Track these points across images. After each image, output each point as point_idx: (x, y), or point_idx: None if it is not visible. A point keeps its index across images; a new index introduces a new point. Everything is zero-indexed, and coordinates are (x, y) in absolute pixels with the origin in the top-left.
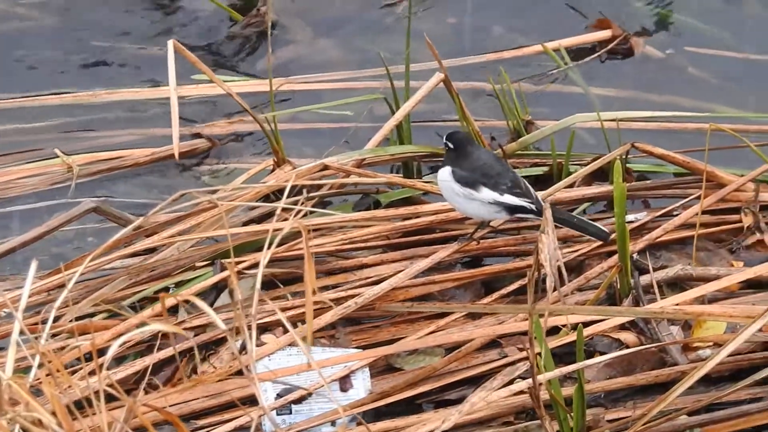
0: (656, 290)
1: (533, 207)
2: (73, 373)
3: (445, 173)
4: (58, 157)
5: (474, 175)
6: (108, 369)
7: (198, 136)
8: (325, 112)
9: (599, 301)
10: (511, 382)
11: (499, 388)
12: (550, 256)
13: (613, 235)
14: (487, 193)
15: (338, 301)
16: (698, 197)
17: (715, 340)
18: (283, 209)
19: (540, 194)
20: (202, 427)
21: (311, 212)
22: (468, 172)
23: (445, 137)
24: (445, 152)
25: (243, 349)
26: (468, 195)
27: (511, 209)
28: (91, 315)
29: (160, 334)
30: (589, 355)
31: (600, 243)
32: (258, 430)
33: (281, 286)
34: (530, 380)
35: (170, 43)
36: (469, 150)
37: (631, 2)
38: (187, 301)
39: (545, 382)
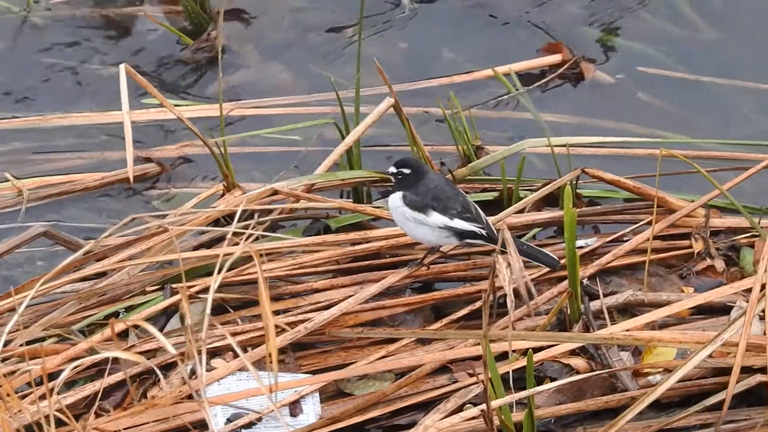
0: (606, 316)
1: (483, 232)
2: (24, 397)
3: (395, 198)
4: (8, 180)
5: (424, 200)
6: (58, 393)
7: (148, 160)
8: (275, 137)
9: (549, 327)
10: (461, 408)
11: (450, 413)
12: (516, 275)
13: (563, 261)
14: (436, 218)
15: (288, 326)
16: (649, 223)
17: (666, 366)
18: (234, 234)
19: (491, 219)
20: None
21: (262, 236)
22: (418, 197)
23: (396, 162)
24: (397, 177)
25: (193, 373)
26: (418, 219)
27: (461, 234)
28: (42, 339)
29: (110, 359)
30: (539, 380)
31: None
32: None
33: (231, 310)
34: (482, 405)
35: (122, 67)
36: (420, 175)
37: (582, 27)
38: (137, 326)
39: (496, 408)
